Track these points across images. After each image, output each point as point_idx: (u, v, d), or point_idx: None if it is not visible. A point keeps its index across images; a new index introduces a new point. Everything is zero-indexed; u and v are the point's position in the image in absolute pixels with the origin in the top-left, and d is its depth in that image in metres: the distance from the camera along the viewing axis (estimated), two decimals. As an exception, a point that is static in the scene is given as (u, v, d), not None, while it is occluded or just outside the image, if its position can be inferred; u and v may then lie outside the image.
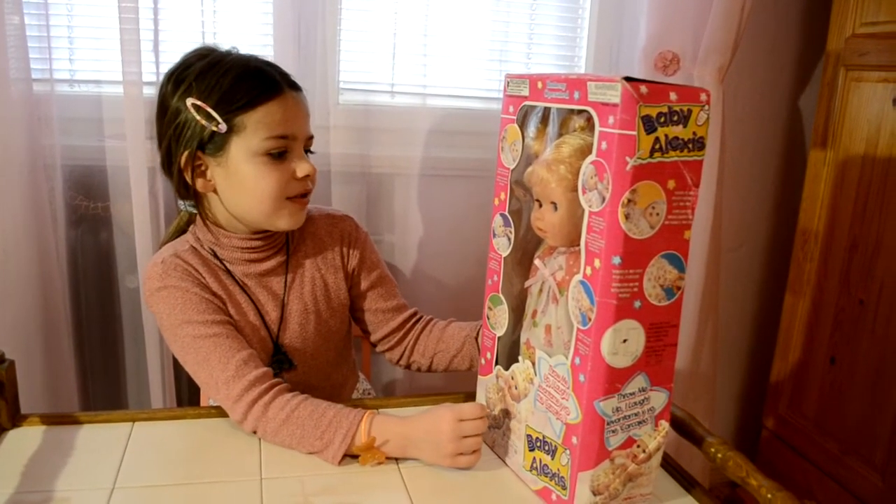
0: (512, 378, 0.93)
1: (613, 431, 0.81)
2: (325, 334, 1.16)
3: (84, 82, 1.57)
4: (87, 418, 1.02)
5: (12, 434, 0.98)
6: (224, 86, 1.01)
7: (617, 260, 0.75)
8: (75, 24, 1.55)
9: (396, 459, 0.95)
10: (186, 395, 1.64)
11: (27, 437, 0.97)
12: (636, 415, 0.82)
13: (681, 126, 0.75)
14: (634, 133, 0.72)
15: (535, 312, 0.92)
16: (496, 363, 0.97)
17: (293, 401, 0.96)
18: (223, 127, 1.01)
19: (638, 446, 0.83)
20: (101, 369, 1.67)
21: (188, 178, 1.04)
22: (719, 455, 0.89)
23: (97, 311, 1.63)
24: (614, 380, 0.79)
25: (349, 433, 0.93)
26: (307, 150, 1.09)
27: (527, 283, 0.94)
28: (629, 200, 0.74)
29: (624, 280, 0.76)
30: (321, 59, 1.58)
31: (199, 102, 1.00)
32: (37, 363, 1.50)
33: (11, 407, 0.99)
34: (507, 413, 0.95)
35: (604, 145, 0.74)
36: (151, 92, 1.46)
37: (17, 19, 1.40)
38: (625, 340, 0.78)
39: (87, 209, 1.58)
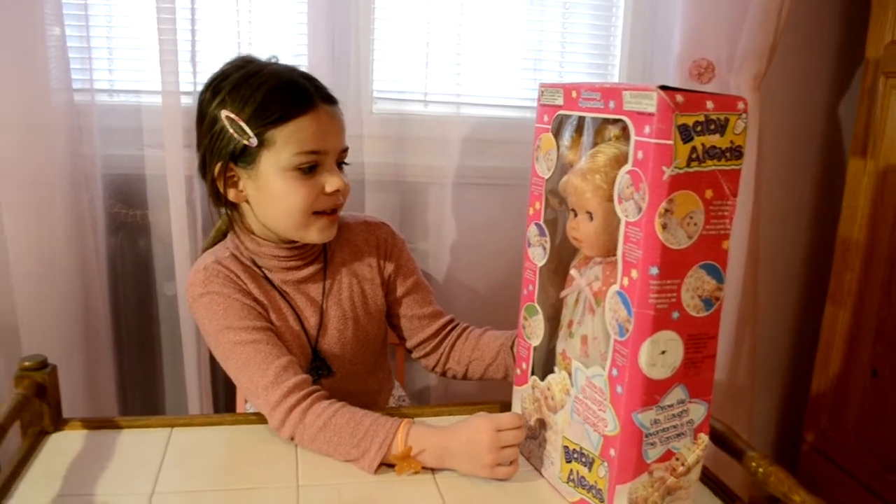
0: (548, 389, 0.93)
1: (652, 444, 0.80)
2: (362, 340, 1.17)
3: (123, 92, 1.60)
4: (126, 423, 1.04)
5: (55, 437, 1.00)
6: (257, 99, 1.01)
7: (654, 270, 0.74)
8: (115, 34, 1.58)
9: (432, 469, 0.95)
10: (223, 400, 1.66)
11: (69, 441, 0.99)
12: (675, 427, 0.81)
13: (718, 135, 0.74)
14: (671, 142, 0.71)
15: (570, 323, 0.91)
16: (532, 373, 0.97)
17: (331, 408, 0.97)
18: (254, 141, 1.01)
19: (677, 459, 0.82)
20: (139, 374, 1.69)
21: (221, 188, 1.06)
22: (761, 469, 0.88)
23: (135, 318, 1.66)
24: (652, 391, 0.78)
25: (386, 441, 0.93)
26: (342, 163, 1.09)
27: (562, 294, 0.93)
28: (666, 210, 0.73)
29: (662, 291, 0.75)
30: (355, 68, 1.60)
31: (232, 115, 1.01)
32: (78, 368, 1.53)
33: (54, 411, 1.01)
34: (543, 424, 0.94)
35: (640, 155, 0.74)
36: (189, 102, 1.49)
37: (59, 30, 1.44)
38: (663, 352, 0.77)
39: (126, 217, 1.61)
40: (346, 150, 1.09)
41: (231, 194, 1.07)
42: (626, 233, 0.77)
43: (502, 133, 1.72)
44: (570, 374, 0.89)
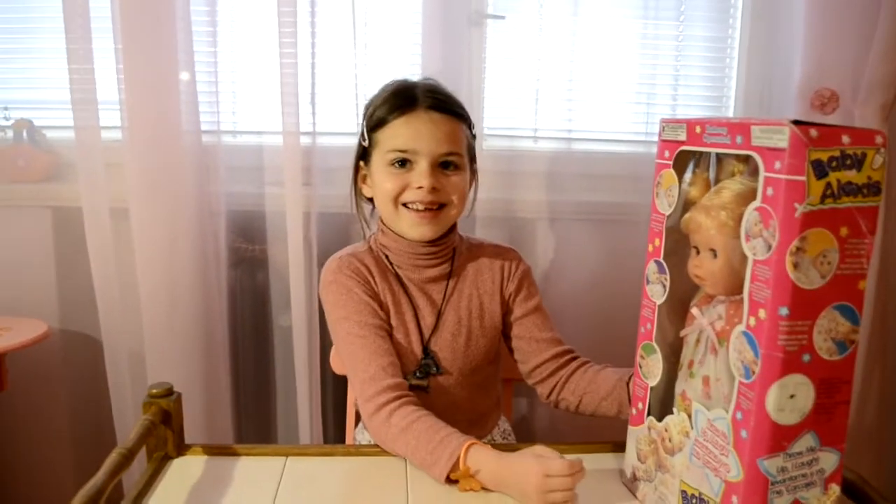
0: (666, 430, 0.90)
1: (778, 493, 0.76)
2: (473, 351, 1.19)
3: (247, 133, 1.68)
4: (244, 451, 1.07)
5: (177, 462, 1.04)
6: (373, 107, 1.16)
7: (784, 311, 0.71)
8: (238, 78, 1.67)
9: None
10: (332, 429, 1.69)
11: (190, 466, 1.03)
12: (804, 476, 0.77)
13: (854, 170, 0.71)
14: (804, 178, 0.69)
15: (691, 363, 0.88)
16: (648, 414, 0.94)
17: (416, 413, 1.00)
18: (366, 142, 1.17)
19: (806, 511, 0.78)
20: (253, 401, 1.75)
21: (358, 184, 1.21)
22: (898, 524, 0.82)
23: (252, 348, 1.73)
24: (780, 437, 0.75)
25: (454, 454, 0.94)
26: (447, 167, 1.14)
27: (683, 332, 0.91)
28: (798, 249, 0.70)
29: (792, 332, 0.72)
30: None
31: (363, 122, 1.18)
32: (197, 396, 1.59)
33: (177, 437, 1.06)
34: (659, 466, 0.91)
35: (770, 191, 0.71)
36: (308, 141, 1.55)
37: (188, 75, 1.53)
38: (792, 396, 0.74)
39: (247, 252, 1.68)
40: (448, 154, 1.13)
41: (364, 190, 1.21)
42: (754, 271, 0.74)
43: (613, 168, 1.71)
44: (689, 416, 0.86)
